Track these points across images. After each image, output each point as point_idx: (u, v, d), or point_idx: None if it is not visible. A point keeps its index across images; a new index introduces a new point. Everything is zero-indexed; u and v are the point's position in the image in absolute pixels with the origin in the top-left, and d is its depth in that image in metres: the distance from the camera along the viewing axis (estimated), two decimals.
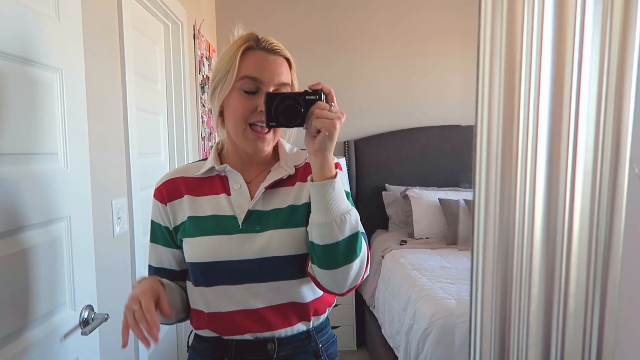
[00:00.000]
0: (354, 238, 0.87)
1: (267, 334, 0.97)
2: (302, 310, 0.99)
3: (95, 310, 1.23)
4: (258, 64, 0.94)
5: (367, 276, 3.15)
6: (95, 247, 1.29)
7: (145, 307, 0.82)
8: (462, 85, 3.56)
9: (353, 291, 0.95)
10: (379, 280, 2.82)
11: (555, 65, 0.39)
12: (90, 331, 1.16)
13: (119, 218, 1.54)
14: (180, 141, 2.45)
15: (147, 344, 0.81)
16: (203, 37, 2.83)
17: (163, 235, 1.03)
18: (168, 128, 2.40)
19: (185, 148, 2.46)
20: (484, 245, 0.41)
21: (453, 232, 2.96)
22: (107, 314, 1.22)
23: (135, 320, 0.82)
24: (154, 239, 1.05)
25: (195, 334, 1.04)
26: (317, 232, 0.87)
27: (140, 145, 1.83)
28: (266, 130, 0.96)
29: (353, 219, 0.87)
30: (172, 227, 1.02)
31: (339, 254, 0.87)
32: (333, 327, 3.25)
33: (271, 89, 0.94)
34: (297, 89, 1.01)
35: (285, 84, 0.96)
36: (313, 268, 0.92)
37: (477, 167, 0.42)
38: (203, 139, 2.79)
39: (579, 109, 0.38)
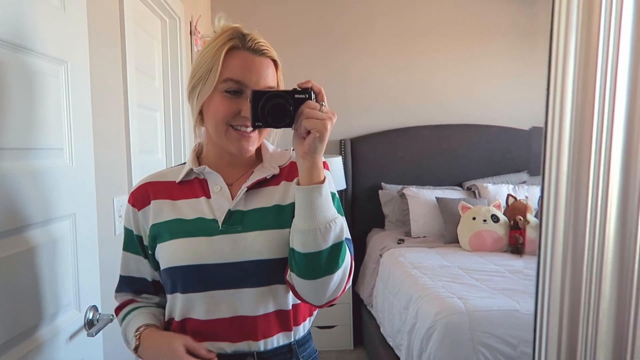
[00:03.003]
0: (337, 248, 0.82)
1: (246, 347, 0.90)
2: (283, 318, 0.93)
3: (100, 311, 1.20)
4: (243, 66, 0.88)
5: (364, 276, 3.07)
6: (98, 245, 1.26)
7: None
8: (459, 83, 3.56)
9: (330, 304, 0.91)
10: (377, 279, 2.81)
11: (633, 64, 0.37)
12: (96, 332, 1.12)
13: (120, 216, 1.50)
14: (177, 139, 2.41)
15: None
16: (199, 33, 2.79)
17: (133, 242, 0.99)
18: (165, 125, 2.36)
19: (182, 146, 2.42)
20: (552, 248, 0.40)
21: (451, 230, 2.96)
22: (113, 315, 1.19)
23: None
24: (125, 246, 1.00)
25: None
26: (299, 239, 0.82)
27: (139, 142, 1.79)
28: (250, 129, 0.90)
29: (338, 228, 0.82)
30: (146, 233, 0.96)
31: (321, 263, 0.82)
32: (329, 327, 3.23)
33: None
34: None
35: (271, 88, 0.90)
36: (292, 276, 0.87)
37: (546, 167, 0.40)
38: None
39: None
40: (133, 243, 0.99)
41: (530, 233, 2.75)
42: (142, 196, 0.97)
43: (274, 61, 0.93)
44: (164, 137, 2.34)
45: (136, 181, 1.64)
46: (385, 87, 3.55)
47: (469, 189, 3.32)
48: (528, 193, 3.16)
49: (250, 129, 0.89)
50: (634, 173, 0.38)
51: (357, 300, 3.19)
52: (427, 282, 2.21)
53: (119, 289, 1.04)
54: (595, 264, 0.40)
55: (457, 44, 3.54)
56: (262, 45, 0.90)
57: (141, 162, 1.76)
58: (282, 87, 0.95)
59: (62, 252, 1.06)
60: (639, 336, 0.39)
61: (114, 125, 1.50)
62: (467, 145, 3.47)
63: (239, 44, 0.89)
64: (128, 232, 0.99)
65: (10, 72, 0.89)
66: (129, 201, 0.98)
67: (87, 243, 1.16)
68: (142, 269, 1.00)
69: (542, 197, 0.42)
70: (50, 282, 1.01)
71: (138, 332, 0.92)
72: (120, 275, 1.03)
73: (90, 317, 1.15)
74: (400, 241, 2.99)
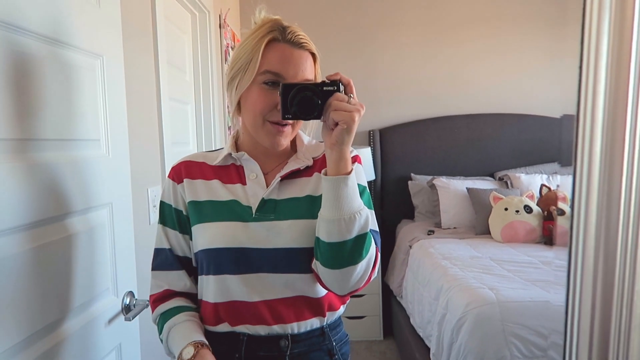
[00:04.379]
0: (361, 239, 0.83)
1: (279, 330, 0.93)
2: (315, 305, 0.95)
3: (136, 297, 1.24)
4: (282, 58, 0.89)
5: (394, 267, 3.04)
6: (134, 234, 1.30)
7: None
8: (491, 72, 3.49)
9: (353, 294, 0.91)
10: (407, 270, 2.80)
11: None
12: (133, 317, 1.16)
13: (154, 206, 1.55)
14: (208, 131, 2.46)
15: None
16: (228, 26, 2.82)
17: (171, 218, 0.99)
18: (196, 118, 2.40)
19: (212, 138, 2.47)
20: (584, 236, 0.39)
21: (482, 221, 2.91)
22: (148, 301, 1.23)
23: None
24: (162, 220, 1.00)
25: (205, 329, 0.98)
26: (324, 228, 0.84)
27: (172, 134, 1.84)
28: (284, 124, 0.91)
29: (363, 219, 0.83)
30: (185, 205, 0.97)
31: (344, 253, 0.83)
32: (359, 317, 3.25)
33: None
34: None
35: (308, 80, 0.91)
36: (316, 265, 0.89)
37: (578, 153, 0.39)
38: (229, 128, 2.79)
39: None
40: (171, 217, 0.99)
41: (562, 223, 2.68)
42: (180, 172, 1.00)
43: (313, 54, 0.94)
44: (195, 129, 2.39)
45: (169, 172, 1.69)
46: (414, 77, 3.51)
47: (500, 179, 3.26)
48: (560, 182, 3.07)
49: (285, 123, 0.91)
50: None
51: (386, 291, 3.19)
52: (457, 272, 2.19)
53: (156, 267, 1.01)
54: (629, 247, 0.39)
55: (487, 33, 3.46)
56: (301, 38, 0.91)
57: (173, 154, 1.80)
58: (320, 79, 0.96)
59: (100, 240, 1.10)
60: None
61: (147, 118, 1.54)
62: (499, 135, 3.40)
63: (278, 36, 0.90)
64: (167, 206, 1.00)
65: (50, 66, 0.92)
66: (169, 176, 1.01)
67: (123, 231, 1.20)
68: (176, 243, 0.99)
69: (573, 185, 0.41)
70: (89, 268, 1.05)
71: (197, 348, 0.88)
72: (163, 249, 0.99)
73: (127, 302, 1.19)
74: (430, 232, 2.97)
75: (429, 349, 2.16)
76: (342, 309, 1.02)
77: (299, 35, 0.91)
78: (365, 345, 3.12)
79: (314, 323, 0.95)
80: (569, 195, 2.86)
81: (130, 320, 1.16)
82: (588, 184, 0.40)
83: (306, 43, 0.92)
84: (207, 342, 0.91)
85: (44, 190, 0.90)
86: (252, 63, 0.89)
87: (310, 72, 0.92)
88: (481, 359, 1.73)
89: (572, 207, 0.42)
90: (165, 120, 1.68)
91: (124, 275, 1.20)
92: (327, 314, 0.97)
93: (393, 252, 3.21)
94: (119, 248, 1.18)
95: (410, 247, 2.85)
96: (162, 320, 0.97)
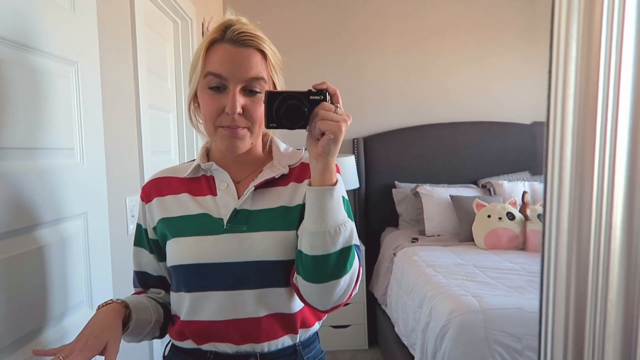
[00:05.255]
0: (345, 252, 0.81)
1: (248, 349, 0.89)
2: (288, 321, 0.91)
3: None
4: (221, 58, 0.85)
5: (378, 275, 3.04)
6: (111, 245, 1.27)
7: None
8: (474, 80, 3.52)
9: (334, 310, 0.89)
10: (391, 278, 2.79)
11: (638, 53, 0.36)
12: None
13: (132, 216, 1.52)
14: (190, 139, 2.43)
15: None
16: None
17: (141, 237, 0.99)
18: (178, 126, 2.37)
19: (195, 147, 2.44)
20: (556, 240, 0.38)
21: (465, 229, 2.92)
22: None
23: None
24: (137, 241, 1.00)
25: (172, 344, 0.97)
26: (307, 241, 0.81)
27: (152, 143, 1.81)
28: (236, 126, 0.86)
29: (348, 232, 0.81)
30: (151, 226, 0.96)
31: (328, 267, 0.80)
32: (343, 326, 3.22)
33: (239, 86, 0.85)
34: (278, 83, 0.91)
35: (257, 78, 0.86)
36: (297, 279, 0.85)
37: (549, 165, 0.39)
38: None
39: None
40: (141, 237, 0.99)
41: (533, 228, 2.71)
42: (149, 191, 0.98)
43: (262, 51, 0.88)
44: (176, 137, 2.36)
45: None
46: (398, 85, 3.53)
47: (484, 186, 3.28)
48: (530, 190, 3.09)
49: (237, 125, 0.87)
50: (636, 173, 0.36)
51: (371, 300, 3.18)
52: (441, 280, 2.19)
53: (133, 284, 1.05)
54: (602, 254, 0.39)
55: (470, 42, 3.50)
56: (243, 36, 0.86)
57: (153, 162, 1.78)
58: (277, 80, 0.92)
59: (73, 251, 1.07)
60: None
61: (125, 126, 1.51)
62: (482, 143, 3.43)
63: (219, 36, 0.87)
64: (138, 226, 1.00)
65: (19, 72, 0.90)
66: (140, 196, 0.99)
67: (98, 242, 1.17)
68: (147, 263, 1.00)
69: (545, 191, 0.41)
70: (61, 281, 1.02)
71: (101, 304, 0.90)
72: (134, 271, 1.03)
73: None
74: (414, 240, 2.97)
75: (413, 358, 2.14)
76: (317, 325, 0.98)
77: (241, 33, 0.86)
78: (350, 355, 3.09)
79: (285, 341, 0.92)
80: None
81: None
82: (559, 190, 0.39)
83: (250, 40, 0.86)
84: (122, 300, 0.91)
85: (10, 200, 0.87)
86: (198, 68, 0.88)
87: (259, 70, 0.87)
88: None
89: (543, 214, 0.41)
90: (145, 128, 1.65)
91: (99, 287, 1.17)
92: (300, 331, 0.93)
93: (377, 260, 3.20)
94: (94, 259, 1.15)
95: (395, 255, 2.85)
96: None
